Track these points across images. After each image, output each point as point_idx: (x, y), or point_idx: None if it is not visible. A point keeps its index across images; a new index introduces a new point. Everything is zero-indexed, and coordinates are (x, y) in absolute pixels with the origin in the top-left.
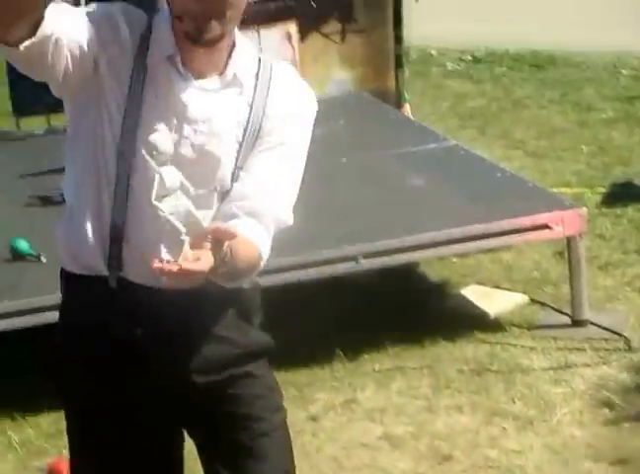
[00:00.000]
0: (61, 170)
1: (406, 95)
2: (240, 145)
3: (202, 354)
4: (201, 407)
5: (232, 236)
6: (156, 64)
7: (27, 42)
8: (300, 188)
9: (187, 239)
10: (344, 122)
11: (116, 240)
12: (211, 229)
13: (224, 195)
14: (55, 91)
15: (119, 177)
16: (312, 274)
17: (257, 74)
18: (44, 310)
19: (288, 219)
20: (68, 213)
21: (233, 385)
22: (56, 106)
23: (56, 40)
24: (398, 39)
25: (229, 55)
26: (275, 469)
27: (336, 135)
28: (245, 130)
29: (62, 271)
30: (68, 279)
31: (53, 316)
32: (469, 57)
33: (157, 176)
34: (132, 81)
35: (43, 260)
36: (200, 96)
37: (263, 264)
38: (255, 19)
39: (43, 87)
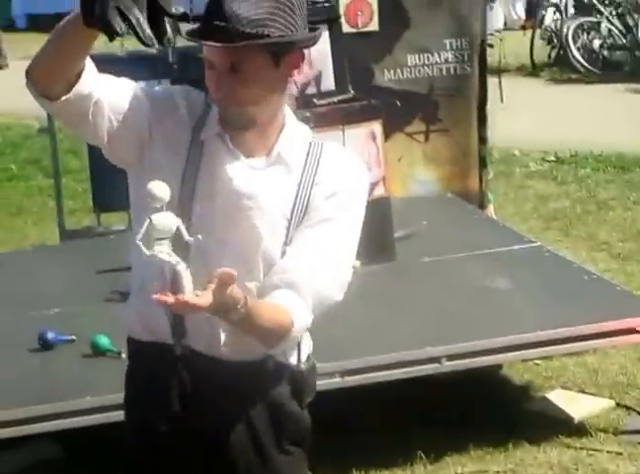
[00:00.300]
0: None
1: (490, 195)
2: (289, 222)
3: (253, 425)
4: None
5: (230, 277)
6: (209, 139)
7: (63, 98)
8: (383, 287)
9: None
10: (427, 222)
11: None
12: (215, 272)
13: (270, 268)
14: (106, 155)
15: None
16: (396, 374)
17: (307, 154)
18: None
19: (333, 294)
20: (139, 282)
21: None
22: None
23: (96, 102)
24: (482, 139)
25: (278, 136)
26: None
27: (419, 235)
28: (293, 207)
29: (130, 339)
30: (136, 346)
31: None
32: (553, 158)
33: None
34: (190, 154)
35: (124, 356)
36: (246, 172)
37: (295, 332)
38: (340, 118)
39: (123, 182)
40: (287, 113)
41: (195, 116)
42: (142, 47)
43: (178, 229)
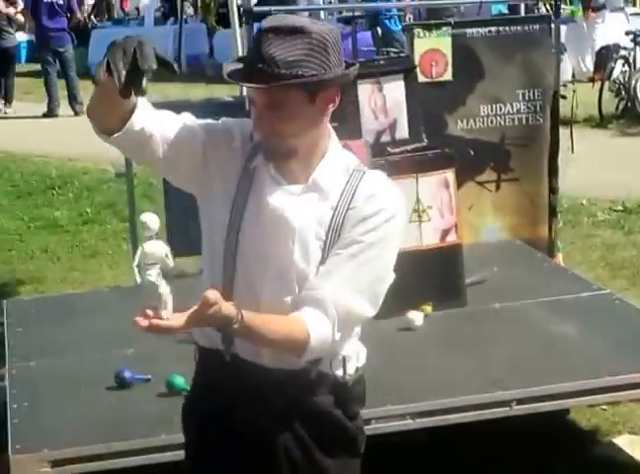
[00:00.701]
0: None
1: (559, 244)
2: (324, 243)
3: (297, 430)
4: None
5: (212, 300)
6: (258, 168)
7: (116, 134)
8: (454, 332)
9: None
10: (497, 269)
11: None
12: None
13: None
14: (171, 181)
15: (225, 263)
16: (468, 417)
17: (347, 181)
18: None
19: (363, 311)
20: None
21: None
22: None
23: (150, 135)
24: (553, 189)
25: (317, 164)
26: None
27: (490, 282)
28: (328, 230)
29: (196, 345)
30: (199, 352)
31: None
32: (620, 207)
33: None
34: (240, 182)
35: None
36: (284, 197)
37: (314, 345)
38: (413, 166)
39: (197, 228)
40: (332, 142)
41: (247, 147)
42: (221, 94)
43: (166, 256)
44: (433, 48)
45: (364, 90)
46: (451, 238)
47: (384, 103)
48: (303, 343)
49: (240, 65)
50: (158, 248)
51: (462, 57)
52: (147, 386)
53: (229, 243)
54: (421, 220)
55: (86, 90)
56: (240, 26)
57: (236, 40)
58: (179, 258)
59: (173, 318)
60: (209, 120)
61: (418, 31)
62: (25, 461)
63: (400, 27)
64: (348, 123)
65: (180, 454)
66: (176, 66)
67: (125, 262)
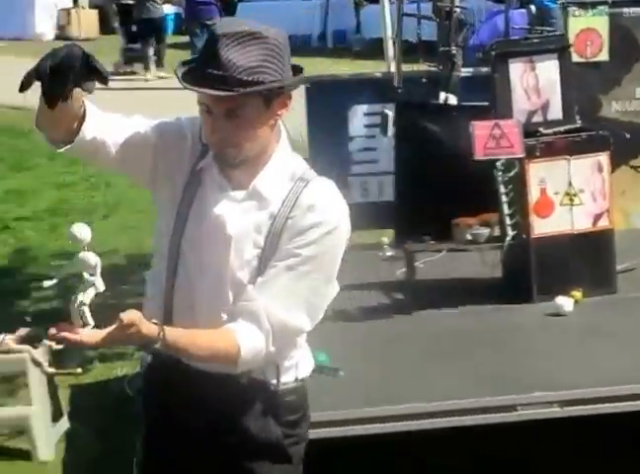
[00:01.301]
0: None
1: None
2: (261, 251)
3: (223, 433)
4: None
5: (122, 322)
6: (203, 169)
7: (67, 146)
8: (603, 319)
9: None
10: None
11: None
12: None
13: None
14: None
15: (168, 268)
16: (619, 407)
17: (291, 189)
18: (334, 425)
19: (300, 324)
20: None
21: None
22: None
23: (102, 143)
24: None
25: (258, 172)
26: None
27: None
28: (265, 238)
29: None
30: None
31: (341, 431)
32: None
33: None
34: (186, 184)
35: (341, 373)
36: (225, 203)
37: (245, 357)
38: (566, 148)
39: None
40: (281, 146)
41: (197, 147)
42: (368, 70)
43: (95, 267)
44: (588, 28)
45: (516, 69)
46: (604, 223)
47: (537, 82)
48: (234, 356)
49: (186, 68)
50: (89, 260)
51: (619, 37)
52: None
53: (172, 248)
54: (572, 204)
55: None
56: (390, 2)
57: (384, 17)
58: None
59: (87, 334)
60: (164, 120)
61: (573, 9)
62: None
63: (556, 4)
64: (498, 103)
65: (328, 432)
66: (108, 76)
67: None
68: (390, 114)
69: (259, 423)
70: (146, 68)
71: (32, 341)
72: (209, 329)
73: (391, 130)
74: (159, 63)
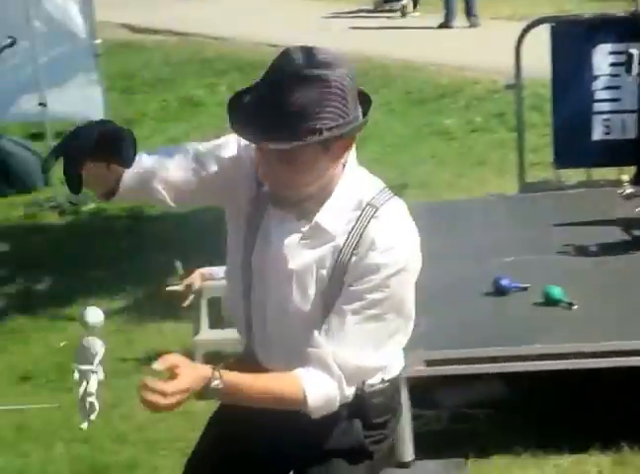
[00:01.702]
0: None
1: None
2: (327, 287)
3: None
4: None
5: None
6: (266, 197)
7: (113, 198)
8: None
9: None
10: None
11: None
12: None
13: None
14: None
15: (244, 291)
16: None
17: (357, 220)
18: (569, 357)
19: (374, 363)
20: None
21: None
22: (600, 161)
23: (150, 191)
24: None
25: (322, 205)
26: None
27: None
28: (330, 273)
29: None
30: None
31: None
32: None
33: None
34: (249, 212)
35: (575, 307)
36: (287, 235)
37: (313, 404)
38: None
39: (584, 141)
40: (347, 173)
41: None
42: (614, 9)
43: (96, 355)
44: None
45: None
46: None
47: None
48: (300, 403)
49: (241, 101)
50: (93, 347)
51: None
52: (524, 295)
53: (244, 272)
54: None
55: (481, 2)
56: None
57: None
58: (563, 169)
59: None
60: (215, 144)
61: None
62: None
63: None
64: None
65: (554, 364)
66: (129, 160)
67: (511, 171)
68: (636, 52)
69: (342, 426)
70: (404, 8)
71: None
72: (275, 372)
73: (636, 69)
74: (415, 3)
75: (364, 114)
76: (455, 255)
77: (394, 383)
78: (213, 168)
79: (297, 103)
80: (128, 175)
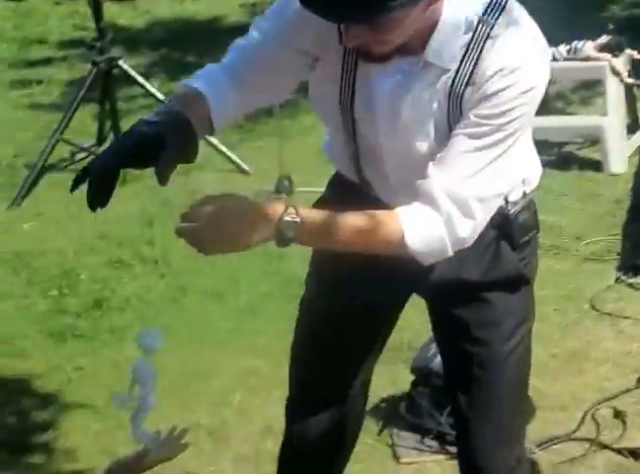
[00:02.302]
0: None
1: None
2: (444, 118)
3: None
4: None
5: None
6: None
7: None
8: None
9: None
10: None
11: None
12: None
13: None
14: None
15: (347, 141)
16: None
17: (470, 42)
18: None
19: (491, 193)
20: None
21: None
22: None
23: (247, 105)
24: None
25: (431, 33)
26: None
27: None
28: (446, 107)
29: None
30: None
31: None
32: None
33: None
34: (343, 57)
35: None
36: (392, 75)
37: (412, 246)
38: None
39: None
40: None
41: None
42: None
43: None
44: None
45: None
46: None
47: None
48: (397, 243)
49: None
50: (145, 371)
51: None
52: None
53: (346, 124)
54: None
55: None
56: None
57: None
58: None
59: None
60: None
61: None
62: None
63: None
64: None
65: None
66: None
67: None
68: None
69: (491, 252)
70: None
71: (611, 49)
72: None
73: None
74: None
75: None
76: None
77: (534, 195)
78: (280, 48)
79: None
80: (219, 117)
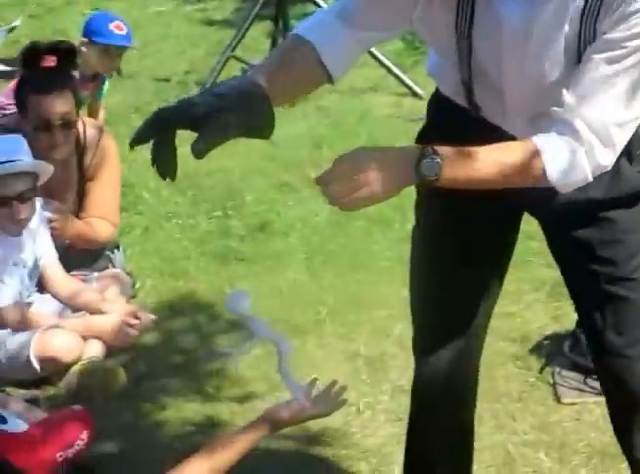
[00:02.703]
0: None
1: None
2: (576, 39)
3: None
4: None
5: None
6: None
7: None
8: None
9: None
10: None
11: None
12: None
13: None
14: None
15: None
16: None
17: None
18: None
19: (630, 117)
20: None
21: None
22: None
23: (364, 44)
24: None
25: None
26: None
27: None
28: (578, 27)
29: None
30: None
31: None
32: None
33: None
34: None
35: None
36: (520, 6)
37: (556, 180)
38: None
39: None
40: None
41: None
42: None
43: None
44: None
45: None
46: None
47: None
48: (538, 177)
49: None
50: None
51: None
52: None
53: (460, 48)
54: None
55: None
56: None
57: None
58: None
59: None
60: None
61: None
62: None
63: None
64: None
65: None
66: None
67: None
68: None
69: (612, 167)
70: None
71: None
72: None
73: None
74: None
75: None
76: None
77: None
78: None
79: None
80: (335, 66)
